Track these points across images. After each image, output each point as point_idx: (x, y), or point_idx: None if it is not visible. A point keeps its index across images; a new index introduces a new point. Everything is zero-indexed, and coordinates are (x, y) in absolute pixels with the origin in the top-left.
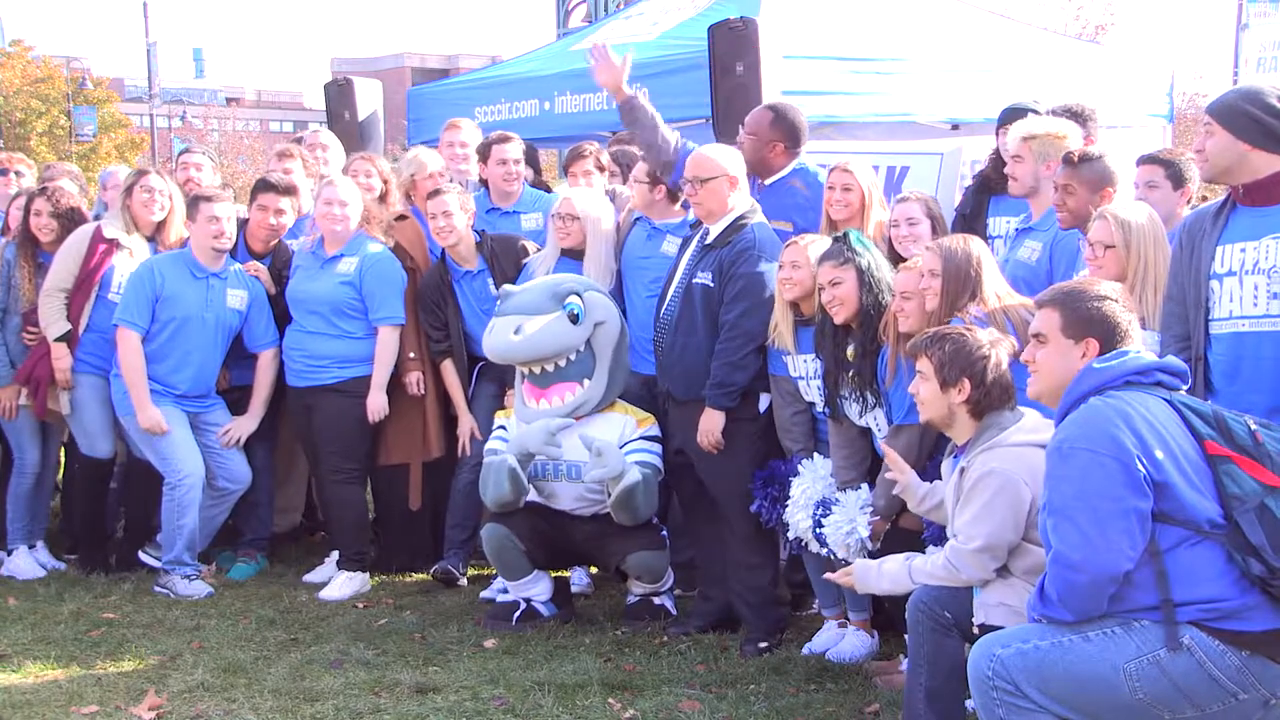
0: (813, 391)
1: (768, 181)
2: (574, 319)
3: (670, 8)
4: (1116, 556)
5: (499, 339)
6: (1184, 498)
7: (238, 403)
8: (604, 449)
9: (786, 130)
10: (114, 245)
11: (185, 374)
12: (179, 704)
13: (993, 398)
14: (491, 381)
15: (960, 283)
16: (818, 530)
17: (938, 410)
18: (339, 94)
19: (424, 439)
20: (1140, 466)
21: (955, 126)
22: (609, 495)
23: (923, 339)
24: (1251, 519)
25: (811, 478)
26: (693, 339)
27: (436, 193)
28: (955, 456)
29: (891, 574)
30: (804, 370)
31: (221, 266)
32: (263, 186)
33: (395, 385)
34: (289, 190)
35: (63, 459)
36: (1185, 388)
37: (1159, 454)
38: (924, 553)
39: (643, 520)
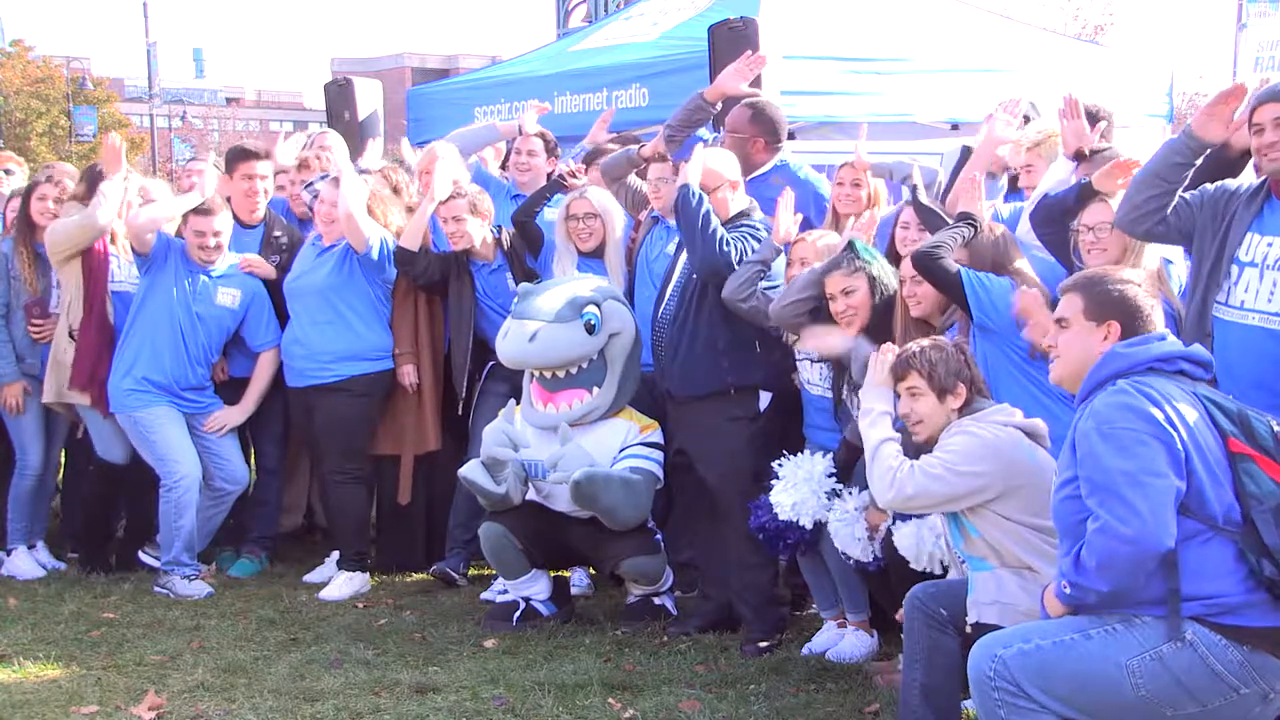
0: (818, 388)
1: (748, 178)
2: (590, 329)
3: (670, 8)
4: (1164, 534)
5: (513, 344)
6: (1205, 491)
7: (236, 395)
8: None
9: (766, 126)
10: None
11: (146, 360)
12: (179, 704)
13: (977, 395)
14: (501, 380)
15: (981, 263)
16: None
17: (938, 422)
18: (339, 94)
19: (418, 432)
20: (1179, 448)
21: (955, 126)
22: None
23: (901, 358)
24: (1268, 520)
25: (803, 474)
26: (693, 335)
27: (450, 198)
28: None
29: (868, 443)
30: (811, 375)
31: (215, 264)
32: (240, 155)
33: (392, 380)
34: (267, 155)
35: (63, 460)
36: (1209, 379)
37: (1189, 443)
38: None
39: (623, 519)
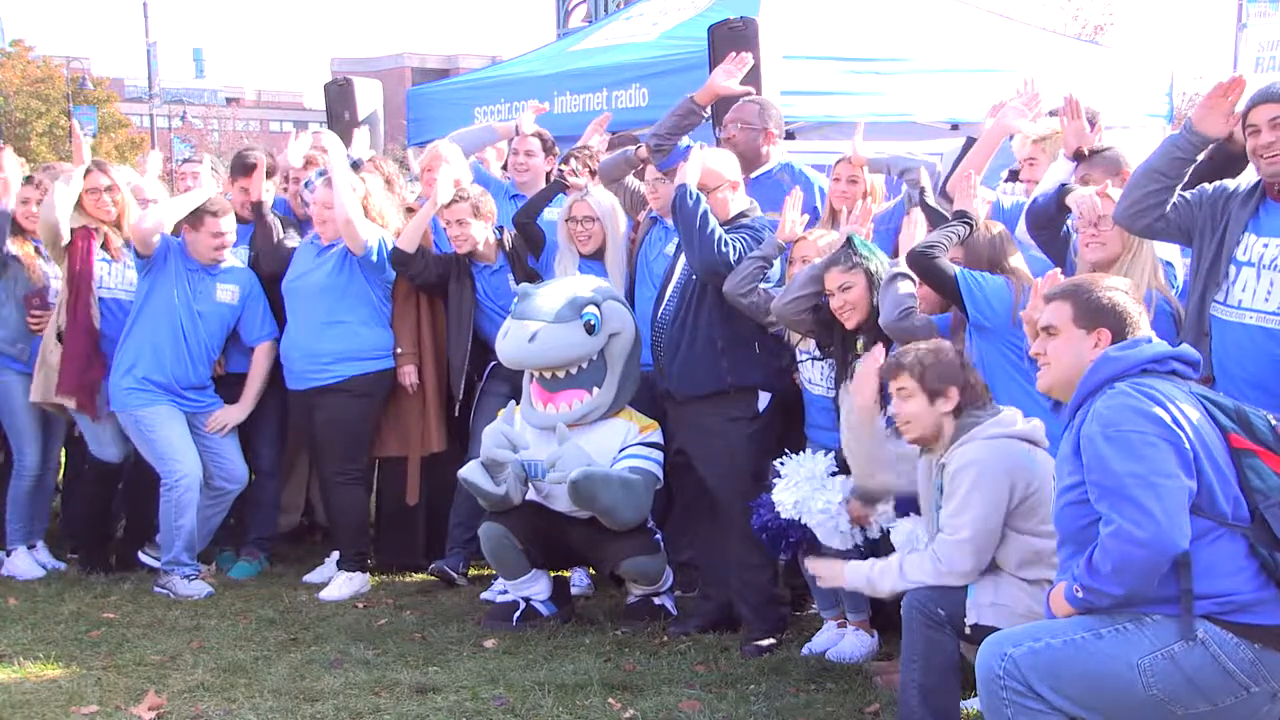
0: (819, 388)
1: (753, 175)
2: (590, 329)
3: (670, 8)
4: (1179, 536)
5: (513, 345)
6: (1214, 489)
7: (234, 390)
8: (559, 459)
9: (774, 119)
10: (91, 234)
11: (147, 359)
12: (179, 704)
13: (975, 397)
14: (501, 381)
15: (977, 262)
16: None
17: (927, 425)
18: (339, 94)
19: (423, 433)
20: (1188, 448)
21: (955, 126)
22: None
23: (893, 360)
24: (1277, 514)
25: (805, 473)
26: (693, 335)
27: (453, 201)
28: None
29: (889, 577)
30: (812, 375)
31: (215, 263)
32: (242, 169)
33: (393, 381)
34: (270, 171)
35: (63, 460)
36: (1199, 378)
37: (1196, 442)
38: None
39: (622, 519)
